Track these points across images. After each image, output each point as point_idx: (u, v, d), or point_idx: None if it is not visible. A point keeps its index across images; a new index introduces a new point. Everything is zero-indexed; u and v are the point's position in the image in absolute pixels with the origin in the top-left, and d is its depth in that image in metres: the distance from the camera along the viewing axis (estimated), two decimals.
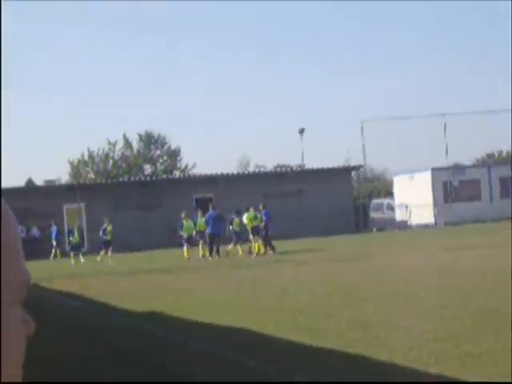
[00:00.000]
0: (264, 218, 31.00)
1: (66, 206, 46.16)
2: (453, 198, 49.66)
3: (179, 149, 73.27)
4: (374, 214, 52.56)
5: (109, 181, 54.14)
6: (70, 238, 35.49)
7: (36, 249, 41.81)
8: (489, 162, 70.60)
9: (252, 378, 7.65)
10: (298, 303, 13.11)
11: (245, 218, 31.02)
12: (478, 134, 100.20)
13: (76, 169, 71.76)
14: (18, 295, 1.03)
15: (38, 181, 70.56)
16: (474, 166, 61.05)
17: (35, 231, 44.83)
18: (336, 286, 15.79)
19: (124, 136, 72.59)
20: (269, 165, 76.51)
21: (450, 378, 7.03)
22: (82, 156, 71.55)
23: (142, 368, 8.43)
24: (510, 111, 53.65)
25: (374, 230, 47.98)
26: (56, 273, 27.02)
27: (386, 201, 53.98)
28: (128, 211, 44.71)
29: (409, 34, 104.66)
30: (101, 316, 14.01)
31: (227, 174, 50.34)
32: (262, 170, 68.20)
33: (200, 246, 31.34)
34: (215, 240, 30.73)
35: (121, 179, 56.95)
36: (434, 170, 50.45)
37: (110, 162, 71.49)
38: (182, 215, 31.95)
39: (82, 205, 46.29)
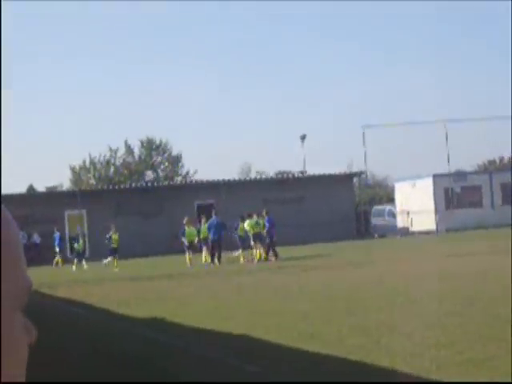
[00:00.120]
0: (267, 224, 31.00)
1: (67, 213, 46.20)
2: (454, 205, 49.65)
3: (181, 155, 73.36)
4: (375, 221, 52.56)
5: (110, 187, 54.20)
6: (75, 245, 35.45)
7: (37, 255, 41.85)
8: (490, 168, 70.62)
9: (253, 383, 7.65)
10: (300, 309, 13.09)
11: (246, 225, 31.00)
12: (479, 141, 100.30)
13: (77, 175, 71.80)
14: (19, 302, 1.02)
15: (40, 187, 70.63)
16: (476, 172, 61.05)
17: (36, 237, 44.84)
18: (337, 292, 15.78)
19: (125, 142, 72.68)
20: (270, 171, 76.56)
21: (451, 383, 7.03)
22: (84, 162, 71.62)
23: (144, 374, 8.42)
24: (511, 118, 53.70)
25: (376, 236, 47.97)
26: (58, 279, 27.00)
27: (387, 207, 53.99)
28: (129, 217, 44.74)
29: (411, 39, 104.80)
30: (102, 322, 14.00)
31: (229, 181, 50.38)
32: (263, 176, 68.22)
33: (203, 252, 31.34)
34: (216, 246, 30.72)
35: (122, 185, 56.96)
36: (435, 176, 50.45)
37: (112, 168, 71.54)
38: (185, 221, 31.89)
39: (84, 211, 46.32)
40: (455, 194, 50.19)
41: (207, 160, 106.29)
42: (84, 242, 34.39)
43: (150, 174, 72.49)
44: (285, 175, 58.86)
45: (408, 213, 50.11)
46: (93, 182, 69.90)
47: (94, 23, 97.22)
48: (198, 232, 31.78)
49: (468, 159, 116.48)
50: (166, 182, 60.13)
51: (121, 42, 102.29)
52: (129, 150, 72.65)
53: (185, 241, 31.00)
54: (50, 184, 75.27)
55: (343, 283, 18.17)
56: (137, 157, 72.66)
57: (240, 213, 33.33)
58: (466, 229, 45.48)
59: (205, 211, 38.85)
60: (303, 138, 61.69)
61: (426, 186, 50.10)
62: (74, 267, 33.53)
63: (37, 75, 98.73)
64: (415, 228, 49.28)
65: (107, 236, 33.12)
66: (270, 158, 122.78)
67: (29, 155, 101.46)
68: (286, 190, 49.15)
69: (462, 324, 10.19)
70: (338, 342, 9.53)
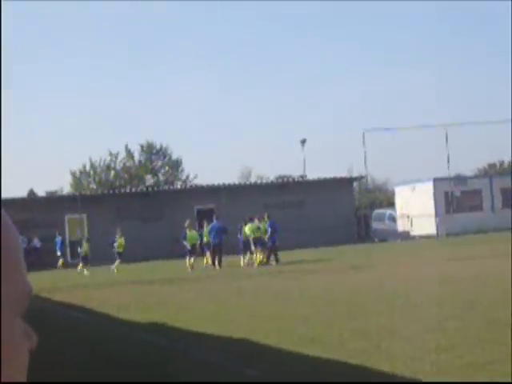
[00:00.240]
0: (269, 228, 30.99)
1: (67, 217, 46.19)
2: (454, 209, 49.65)
3: (181, 159, 73.38)
4: (375, 225, 52.55)
5: (110, 191, 54.20)
6: (79, 249, 35.43)
7: (37, 259, 41.84)
8: (490, 172, 70.65)
9: None
10: (300, 313, 13.09)
11: (247, 229, 30.99)
12: (479, 145, 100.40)
13: (78, 179, 71.82)
14: (19, 307, 1.02)
15: (40, 191, 70.67)
16: (476, 176, 61.07)
17: (36, 242, 44.84)
18: (338, 296, 15.77)
19: (126, 147, 72.72)
20: (270, 175, 76.56)
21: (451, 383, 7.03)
22: (84, 167, 71.63)
23: (144, 378, 8.42)
24: (511, 121, 53.72)
25: (376, 240, 47.97)
26: (58, 284, 26.99)
27: (387, 211, 53.99)
28: (129, 222, 44.69)
29: (411, 43, 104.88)
30: (102, 327, 13.99)
31: (229, 185, 50.38)
32: (263, 180, 68.23)
33: (206, 256, 31.33)
34: (217, 250, 30.70)
35: (122, 190, 56.95)
36: (435, 180, 50.46)
37: (112, 172, 71.57)
38: (186, 224, 31.84)
39: (84, 215, 46.31)
40: (455, 197, 50.20)
41: (207, 164, 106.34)
42: (89, 245, 34.26)
43: (150, 179, 72.51)
44: (285, 179, 58.86)
45: (408, 217, 50.10)
46: (93, 186, 69.90)
47: (94, 26, 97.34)
48: (201, 236, 31.76)
49: (468, 163, 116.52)
50: (167, 187, 60.14)
51: (121, 44, 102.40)
52: (129, 154, 72.67)
53: (187, 244, 30.95)
54: (51, 188, 75.33)
55: (344, 287, 18.17)
56: (137, 161, 72.68)
57: (240, 217, 33.31)
58: (466, 233, 45.49)
59: (205, 216, 38.85)
60: (303, 142, 61.70)
61: (427, 190, 50.10)
62: (79, 270, 33.42)
63: (36, 78, 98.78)
64: (415, 232, 49.27)
65: (113, 240, 32.95)
66: (270, 163, 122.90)
67: (29, 159, 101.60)
68: (286, 194, 49.15)
69: (462, 328, 10.19)
70: (339, 346, 9.53)
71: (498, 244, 31.27)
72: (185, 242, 31.10)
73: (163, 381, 8.25)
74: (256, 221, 31.28)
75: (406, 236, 48.94)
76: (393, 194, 57.74)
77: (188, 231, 31.40)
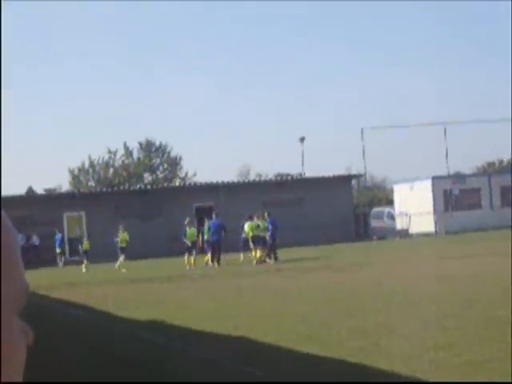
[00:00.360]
0: (270, 226, 31.00)
1: (66, 214, 46.17)
2: (453, 207, 49.66)
3: (180, 157, 73.37)
4: (374, 223, 52.55)
5: (109, 189, 54.19)
6: (80, 247, 35.41)
7: (36, 257, 41.86)
8: (489, 170, 70.69)
9: None
10: (299, 311, 13.10)
11: (246, 227, 30.99)
12: (478, 143, 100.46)
13: (76, 177, 71.80)
14: (18, 304, 1.03)
15: (39, 189, 70.61)
16: (475, 174, 61.11)
17: (35, 239, 44.85)
18: (336, 295, 15.78)
19: (124, 144, 72.72)
20: (269, 173, 76.57)
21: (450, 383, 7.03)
22: (83, 164, 71.63)
23: (143, 376, 8.42)
24: (511, 120, 53.78)
25: (375, 238, 47.98)
26: (57, 281, 26.98)
27: (386, 209, 53.98)
28: (128, 219, 44.57)
29: (410, 41, 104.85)
30: (102, 324, 13.99)
31: (227, 183, 50.38)
32: (262, 178, 68.24)
33: (207, 255, 31.32)
34: (216, 248, 30.69)
35: (121, 188, 56.95)
36: (434, 178, 50.47)
37: (111, 170, 71.56)
38: (186, 222, 31.83)
39: (83, 213, 46.30)
40: (454, 196, 50.20)
41: (206, 162, 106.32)
42: (89, 242, 34.25)
43: (148, 176, 72.52)
44: (284, 177, 58.86)
45: (407, 215, 50.11)
46: (92, 184, 69.90)
47: (94, 25, 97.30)
48: (203, 234, 31.74)
49: (467, 161, 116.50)
50: (165, 184, 60.13)
51: (120, 43, 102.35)
52: (128, 152, 72.67)
53: (187, 242, 30.92)
54: (49, 186, 75.30)
55: (342, 285, 18.17)
56: (136, 159, 72.67)
57: (239, 215, 33.32)
58: (465, 231, 45.50)
59: (204, 213, 38.87)
60: (302, 140, 61.71)
61: (425, 188, 50.09)
62: (83, 268, 33.42)
63: (36, 77, 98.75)
64: (414, 230, 49.27)
65: (116, 236, 32.89)
66: (269, 160, 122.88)
67: (28, 157, 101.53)
68: (285, 192, 49.15)
69: (461, 326, 10.19)
70: (337, 344, 9.54)
71: (496, 242, 31.28)
72: (185, 240, 31.08)
73: (162, 378, 8.25)
74: (255, 219, 31.28)
75: (404, 234, 48.94)
76: (391, 192, 57.74)
77: (188, 229, 31.38)
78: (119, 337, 12.01)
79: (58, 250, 40.15)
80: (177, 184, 63.57)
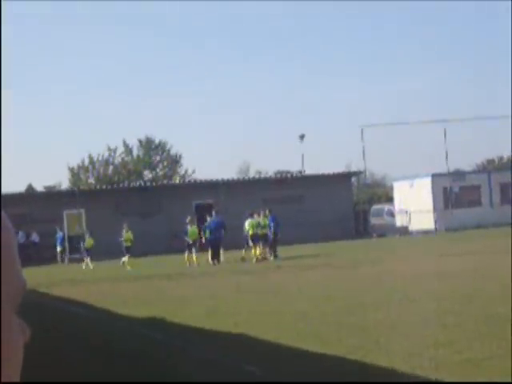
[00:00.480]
0: (271, 223, 31.01)
1: (66, 212, 46.16)
2: (453, 204, 49.65)
3: (180, 155, 73.34)
4: (374, 220, 52.54)
5: (109, 187, 54.17)
6: (82, 244, 35.41)
7: (36, 254, 41.89)
8: (489, 167, 70.65)
9: (252, 383, 7.64)
10: (299, 309, 13.10)
11: (247, 224, 30.98)
12: (478, 140, 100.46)
13: (76, 175, 71.77)
14: (16, 302, 1.03)
15: (39, 186, 70.59)
16: (475, 171, 61.06)
17: (35, 237, 44.86)
18: (336, 292, 15.78)
19: (124, 142, 72.69)
20: (269, 170, 76.54)
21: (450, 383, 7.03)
22: (83, 162, 71.60)
23: (143, 373, 8.42)
24: (510, 117, 53.74)
25: (374, 235, 47.98)
26: (57, 278, 26.97)
27: (386, 207, 53.96)
28: (128, 217, 44.59)
29: (409, 39, 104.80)
30: (102, 322, 13.99)
31: (227, 180, 50.37)
32: (262, 175, 68.21)
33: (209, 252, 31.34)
34: (216, 246, 30.67)
35: (121, 185, 56.95)
36: (434, 175, 50.46)
37: (110, 167, 71.53)
38: (187, 220, 31.80)
39: (82, 210, 46.29)
40: (454, 193, 50.19)
41: (206, 159, 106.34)
42: (91, 239, 34.23)
43: (148, 174, 72.50)
44: (284, 174, 58.83)
45: (406, 212, 50.11)
46: (91, 181, 69.87)
47: (94, 24, 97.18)
48: (204, 231, 31.70)
49: (467, 159, 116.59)
50: (165, 182, 60.12)
51: (120, 40, 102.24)
52: (128, 149, 72.65)
53: (188, 240, 30.90)
54: (49, 183, 75.28)
55: (342, 283, 18.18)
56: (135, 156, 72.64)
57: (239, 212, 33.30)
58: (465, 228, 45.51)
59: (203, 211, 38.85)
60: (302, 137, 61.67)
61: (425, 186, 50.09)
62: (88, 264, 33.39)
63: (36, 75, 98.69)
64: (414, 227, 49.27)
65: (121, 236, 32.84)
66: (269, 158, 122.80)
67: (28, 155, 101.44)
68: (285, 190, 49.14)
69: (461, 323, 10.19)
70: (337, 341, 9.53)
71: (496, 239, 31.29)
72: (186, 238, 31.04)
73: (162, 376, 8.25)
74: (256, 216, 31.27)
75: (404, 231, 48.94)
76: (391, 189, 57.72)
77: (189, 227, 31.34)
78: (119, 334, 12.00)
79: (59, 248, 40.15)
80: (177, 181, 63.57)
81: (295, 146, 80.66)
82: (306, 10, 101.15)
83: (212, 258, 30.25)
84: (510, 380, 6.88)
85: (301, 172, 58.40)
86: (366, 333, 10.01)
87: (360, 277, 19.39)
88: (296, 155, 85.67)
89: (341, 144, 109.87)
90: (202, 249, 31.55)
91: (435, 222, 48.84)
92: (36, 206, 45.06)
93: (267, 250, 30.77)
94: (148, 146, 73.12)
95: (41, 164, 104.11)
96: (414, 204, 49.48)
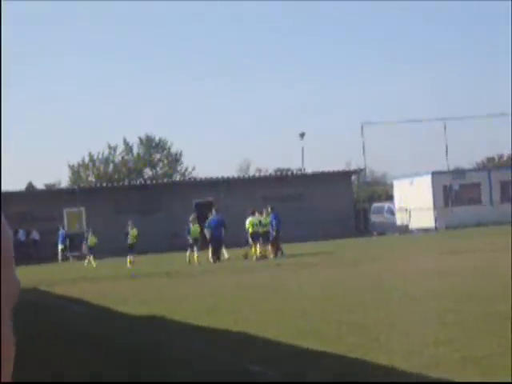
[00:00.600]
0: (273, 221, 31.02)
1: (66, 210, 46.19)
2: (453, 202, 49.66)
3: (180, 152, 73.33)
4: (374, 218, 52.55)
5: (109, 184, 54.20)
6: (85, 242, 35.42)
7: (36, 252, 41.93)
8: (489, 165, 70.63)
9: (252, 381, 7.65)
10: (299, 307, 13.10)
11: (247, 222, 30.97)
12: (478, 138, 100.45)
13: (76, 173, 71.78)
14: (14, 302, 1.04)
15: (39, 184, 70.69)
16: (475, 169, 61.05)
17: (35, 234, 44.89)
18: (336, 290, 15.78)
19: (124, 140, 72.68)
20: (269, 168, 76.56)
21: (451, 382, 7.03)
22: (83, 160, 71.61)
23: (142, 372, 8.43)
24: (511, 115, 53.74)
25: (375, 234, 47.98)
26: (58, 276, 26.98)
27: (386, 205, 53.97)
28: (128, 215, 44.64)
29: (409, 37, 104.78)
30: (101, 320, 14.00)
31: (227, 178, 50.38)
32: (262, 173, 68.21)
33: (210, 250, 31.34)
34: (216, 244, 30.67)
35: (121, 183, 56.96)
36: (434, 173, 50.45)
37: (111, 165, 71.53)
38: (190, 218, 31.76)
39: (82, 209, 46.32)
40: (454, 191, 50.19)
41: (206, 157, 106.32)
42: (94, 237, 34.26)
43: (148, 172, 72.50)
44: (284, 172, 58.89)
45: (407, 210, 50.11)
46: (92, 179, 69.88)
47: (94, 23, 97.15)
48: (206, 230, 31.67)
49: (467, 157, 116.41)
50: (165, 180, 60.11)
51: (120, 38, 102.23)
52: (128, 147, 72.64)
53: (190, 239, 30.88)
54: (49, 181, 75.35)
55: (342, 281, 18.18)
56: (136, 154, 72.64)
57: (239, 210, 33.29)
58: (465, 226, 45.53)
59: (203, 209, 38.84)
60: (302, 135, 61.66)
61: (425, 184, 50.09)
62: (89, 262, 33.38)
63: (36, 73, 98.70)
64: (414, 225, 49.28)
65: (125, 232, 32.80)
66: (269, 156, 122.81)
67: (28, 153, 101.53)
68: (285, 188, 49.16)
69: (461, 321, 10.19)
70: (337, 339, 9.54)
71: (496, 237, 31.30)
72: (188, 236, 31.01)
73: (162, 374, 8.25)
74: (257, 214, 31.25)
75: (404, 229, 48.94)
76: (391, 187, 57.73)
77: (192, 225, 31.31)
78: (119, 332, 12.01)
79: (60, 246, 40.17)
80: (177, 179, 63.56)
81: (295, 144, 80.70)
82: (307, 9, 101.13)
83: (212, 256, 30.25)
84: (510, 379, 6.88)
85: (301, 170, 58.43)
86: (366, 331, 10.02)
87: (360, 275, 19.40)
88: (296, 153, 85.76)
89: (341, 142, 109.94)
90: (202, 247, 31.55)
91: (435, 219, 48.85)
92: (36, 204, 45.09)
93: (268, 247, 30.75)
94: (148, 144, 73.12)
95: (41, 162, 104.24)
96: (414, 202, 49.49)
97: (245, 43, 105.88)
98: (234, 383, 7.66)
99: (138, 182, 55.99)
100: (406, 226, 49.66)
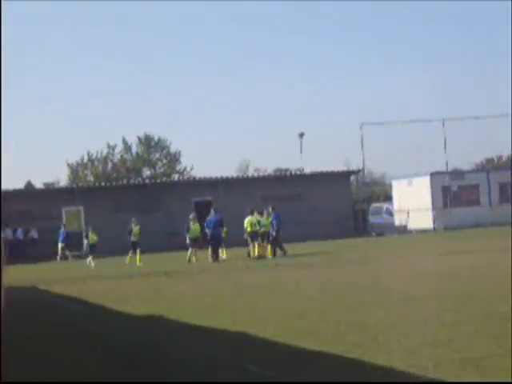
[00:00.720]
0: (274, 221, 31.00)
1: (64, 209, 46.14)
2: (452, 203, 49.66)
3: (179, 152, 73.30)
4: (372, 219, 52.53)
5: (108, 184, 54.17)
6: (85, 241, 35.37)
7: (34, 251, 41.90)
8: (488, 166, 70.63)
9: (250, 381, 7.64)
10: (297, 306, 13.10)
11: (246, 222, 30.96)
12: (477, 139, 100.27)
13: (75, 172, 71.75)
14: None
15: (38, 183, 70.66)
16: (474, 170, 61.05)
17: (34, 233, 44.86)
18: (335, 290, 15.78)
19: (123, 139, 72.65)
20: (268, 168, 76.55)
21: (450, 383, 7.03)
22: (82, 159, 71.57)
23: (141, 371, 8.42)
24: (510, 116, 53.72)
25: (373, 234, 47.98)
26: (56, 275, 26.96)
27: (385, 205, 53.96)
28: (127, 214, 44.58)
29: (409, 37, 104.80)
30: (100, 319, 13.99)
31: (227, 178, 50.36)
32: (261, 173, 68.20)
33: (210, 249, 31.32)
34: (215, 243, 30.66)
35: (120, 182, 56.93)
36: (432, 174, 50.45)
37: (110, 164, 71.51)
38: (191, 217, 31.77)
39: (81, 208, 46.28)
40: (453, 192, 50.19)
41: (205, 157, 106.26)
42: (95, 235, 34.24)
43: (147, 171, 72.49)
44: (283, 172, 58.86)
45: (405, 211, 50.10)
46: (90, 178, 69.85)
47: (94, 22, 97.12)
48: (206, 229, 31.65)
49: (466, 158, 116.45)
50: (164, 179, 60.08)
51: (119, 37, 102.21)
52: (127, 146, 72.62)
53: (189, 237, 30.86)
54: (48, 180, 75.31)
55: (341, 281, 18.18)
56: (135, 154, 72.62)
57: (238, 210, 33.26)
58: (463, 227, 45.54)
59: (202, 208, 38.83)
60: (301, 135, 61.61)
61: (424, 184, 50.08)
62: (92, 262, 33.35)
63: (36, 73, 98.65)
64: (412, 226, 49.28)
65: (129, 229, 32.76)
66: (269, 156, 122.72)
67: (27, 151, 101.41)
68: (284, 188, 49.13)
69: (460, 321, 10.19)
70: (336, 339, 9.54)
71: (495, 238, 31.33)
72: (187, 235, 31.01)
73: (160, 373, 8.25)
74: (256, 214, 31.23)
75: (403, 230, 48.94)
76: (390, 187, 57.72)
77: (192, 224, 31.31)
78: (117, 331, 12.00)
79: (61, 245, 40.15)
80: (176, 179, 63.55)
81: (294, 144, 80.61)
82: (307, 9, 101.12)
83: (211, 256, 30.23)
84: (509, 379, 6.88)
85: (300, 170, 58.38)
86: (364, 331, 10.02)
87: (359, 275, 19.40)
88: (295, 153, 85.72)
89: (340, 142, 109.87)
90: (202, 246, 31.54)
91: (434, 220, 48.85)
92: (35, 203, 45.06)
93: (267, 247, 30.69)
94: (147, 143, 73.11)
95: (40, 161, 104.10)
96: (412, 203, 49.49)
97: (245, 43, 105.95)
98: (232, 383, 7.65)
99: (137, 182, 55.97)
100: (405, 227, 49.65)
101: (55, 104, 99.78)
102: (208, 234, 30.78)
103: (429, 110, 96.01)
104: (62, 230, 40.48)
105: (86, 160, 71.45)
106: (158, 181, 56.07)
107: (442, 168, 53.06)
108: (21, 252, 41.57)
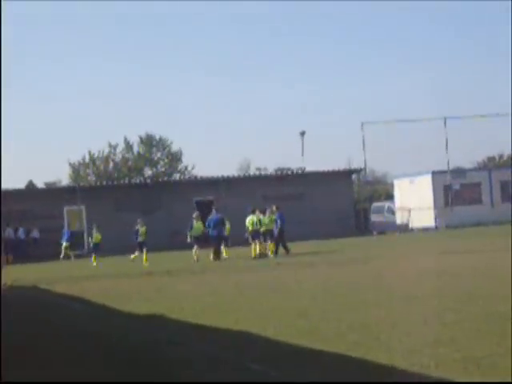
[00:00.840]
0: (278, 220, 30.97)
1: (66, 208, 46.18)
2: (453, 202, 49.66)
3: (180, 151, 73.30)
4: (374, 218, 52.53)
5: (109, 183, 54.19)
6: (90, 240, 35.39)
7: (36, 250, 41.93)
8: (490, 165, 70.65)
9: (252, 380, 7.64)
10: (299, 305, 13.09)
11: (247, 221, 30.96)
12: (479, 138, 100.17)
13: (77, 171, 71.79)
14: None
15: (39, 183, 70.72)
16: (475, 169, 61.06)
17: (35, 233, 44.88)
18: (336, 289, 15.77)
19: (125, 138, 72.67)
20: (270, 167, 76.52)
21: (451, 382, 7.03)
22: (83, 158, 71.62)
23: (142, 371, 8.42)
24: (511, 115, 53.66)
25: (375, 233, 47.97)
26: (58, 274, 26.97)
27: (386, 204, 53.97)
28: (128, 213, 44.65)
29: (410, 36, 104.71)
30: (101, 318, 13.99)
31: (228, 177, 50.36)
32: (262, 172, 68.19)
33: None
34: (216, 243, 30.67)
35: (121, 181, 56.93)
36: (434, 173, 50.44)
37: (111, 164, 71.55)
38: (194, 215, 31.75)
39: (83, 207, 46.31)
40: (454, 190, 50.19)
41: (207, 156, 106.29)
42: (99, 233, 34.27)
43: (148, 170, 72.51)
44: (284, 171, 58.85)
45: (407, 209, 50.11)
46: (92, 177, 69.89)
47: (94, 22, 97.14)
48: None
49: (467, 156, 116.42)
50: (165, 178, 60.10)
51: (120, 36, 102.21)
52: (128, 146, 72.64)
53: (190, 235, 30.85)
54: (50, 180, 75.38)
55: (342, 280, 18.17)
56: (136, 153, 72.64)
57: (239, 209, 33.25)
58: (465, 226, 45.53)
59: (204, 207, 38.85)
60: (303, 134, 61.59)
61: (425, 183, 50.08)
62: (93, 262, 33.37)
63: (36, 73, 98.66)
64: (414, 225, 49.27)
65: (135, 230, 32.75)
66: (270, 155, 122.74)
67: (28, 151, 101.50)
68: (286, 187, 49.15)
69: (461, 321, 10.19)
70: (337, 338, 9.53)
71: (496, 237, 31.31)
72: (188, 233, 31.01)
73: (162, 373, 8.25)
74: (257, 213, 31.22)
75: (404, 229, 48.94)
76: (392, 186, 57.71)
77: (195, 222, 31.29)
78: (118, 330, 12.00)
79: (65, 244, 40.18)
80: (177, 178, 63.57)
81: (296, 143, 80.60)
82: (307, 9, 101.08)
83: (213, 255, 30.24)
84: (510, 379, 6.88)
85: (301, 169, 58.41)
86: (366, 330, 10.01)
87: (360, 274, 19.39)
88: (296, 152, 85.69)
89: (341, 141, 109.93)
90: (204, 245, 31.55)
91: (435, 219, 48.86)
92: (36, 203, 45.10)
93: (270, 246, 30.68)
94: (148, 142, 73.13)
95: (41, 160, 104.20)
96: (414, 201, 49.49)
97: (245, 43, 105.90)
98: (234, 382, 7.65)
99: (139, 181, 56.03)
100: (406, 226, 49.66)
101: (56, 104, 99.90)
102: (209, 233, 30.79)
103: (429, 110, 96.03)
104: (66, 229, 40.50)
105: (87, 159, 71.50)
106: (160, 180, 56.07)
107: (444, 167, 53.05)
108: (22, 251, 41.61)
